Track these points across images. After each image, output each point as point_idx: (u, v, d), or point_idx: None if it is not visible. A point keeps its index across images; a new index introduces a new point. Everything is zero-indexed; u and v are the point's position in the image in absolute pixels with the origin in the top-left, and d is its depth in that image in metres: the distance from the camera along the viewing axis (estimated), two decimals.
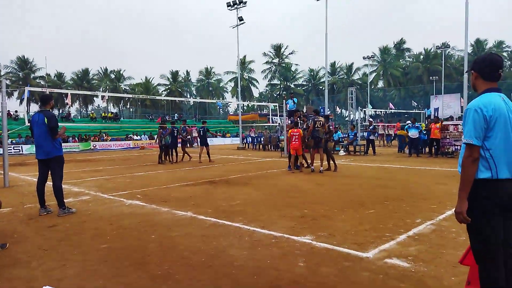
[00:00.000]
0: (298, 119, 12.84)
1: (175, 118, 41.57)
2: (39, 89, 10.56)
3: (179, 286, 3.13)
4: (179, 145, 15.96)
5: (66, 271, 3.48)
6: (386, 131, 28.14)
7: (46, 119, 5.74)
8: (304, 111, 24.49)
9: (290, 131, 11.53)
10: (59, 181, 5.85)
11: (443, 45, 46.82)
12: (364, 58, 51.57)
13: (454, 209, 2.29)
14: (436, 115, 25.48)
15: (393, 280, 3.13)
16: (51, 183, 5.87)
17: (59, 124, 5.97)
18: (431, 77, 50.99)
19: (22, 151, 25.04)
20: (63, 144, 27.32)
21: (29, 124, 6.43)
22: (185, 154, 15.89)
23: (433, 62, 58.00)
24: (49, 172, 5.91)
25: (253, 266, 3.52)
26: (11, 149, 24.18)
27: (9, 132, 12.99)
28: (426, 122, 16.69)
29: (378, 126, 30.78)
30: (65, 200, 6.71)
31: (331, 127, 11.72)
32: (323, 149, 11.09)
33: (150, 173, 11.44)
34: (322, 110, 25.10)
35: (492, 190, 2.20)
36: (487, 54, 2.43)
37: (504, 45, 57.98)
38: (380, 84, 66.19)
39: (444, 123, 16.28)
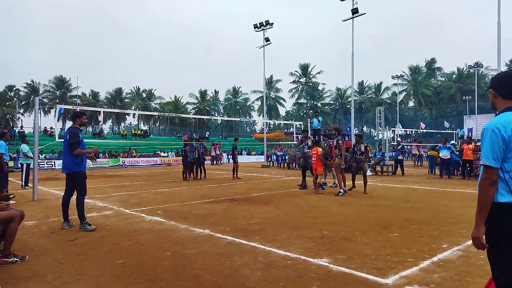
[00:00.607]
0: (305, 138, 12.15)
1: (202, 135, 42.19)
2: (71, 107, 11.09)
3: None
4: (207, 161, 16.09)
5: (79, 285, 3.50)
6: (418, 151, 27.40)
7: (68, 136, 5.89)
8: (330, 130, 24.23)
9: (310, 150, 11.38)
10: (80, 196, 5.92)
11: (476, 65, 45.37)
12: (393, 77, 50.76)
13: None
14: (469, 135, 24.46)
15: None
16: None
17: (93, 141, 6.22)
18: (464, 97, 49.40)
19: (55, 166, 26.07)
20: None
21: (61, 140, 6.72)
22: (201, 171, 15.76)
23: (466, 81, 56.34)
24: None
25: None
26: (44, 164, 25.26)
27: (41, 147, 13.54)
28: (459, 143, 16.09)
29: (412, 145, 29.96)
30: (88, 215, 6.89)
31: (368, 147, 11.42)
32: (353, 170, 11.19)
33: (173, 190, 11.56)
34: (348, 129, 24.77)
35: None
36: (505, 71, 2.31)
37: None
38: (411, 103, 64.77)
39: (477, 144, 15.60)
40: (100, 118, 22.16)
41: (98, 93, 63.76)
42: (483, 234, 2.07)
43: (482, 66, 47.96)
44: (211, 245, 4.87)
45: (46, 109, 52.90)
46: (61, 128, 29.58)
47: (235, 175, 15.25)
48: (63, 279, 3.65)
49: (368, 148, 10.20)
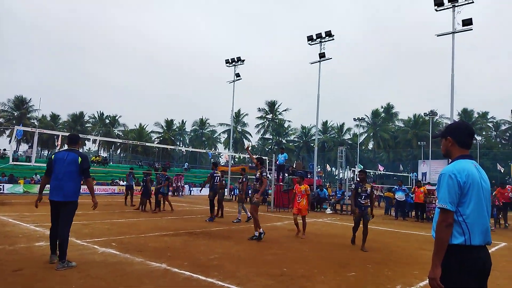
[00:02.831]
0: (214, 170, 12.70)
1: (165, 166, 41.34)
2: (29, 129, 10.56)
3: None
4: (170, 194, 15.62)
5: None
6: (376, 192, 28.37)
7: (80, 159, 5.32)
8: (294, 166, 24.65)
9: (295, 186, 9.41)
10: (68, 228, 5.24)
11: (431, 112, 48.58)
12: (354, 119, 53.06)
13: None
14: (419, 179, 25.43)
15: None
16: (55, 230, 5.24)
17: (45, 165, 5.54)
18: (419, 142, 52.30)
19: (3, 190, 24.35)
20: (48, 185, 26.81)
21: (15, 163, 6.17)
22: (167, 204, 15.08)
23: (421, 127, 59.84)
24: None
25: None
26: None
27: None
28: (415, 186, 16.85)
29: (374, 187, 30.95)
30: (37, 244, 6.47)
31: (373, 188, 8.87)
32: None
33: (131, 220, 11.11)
34: (311, 166, 25.30)
35: (466, 256, 2.18)
36: (461, 122, 2.52)
37: (489, 116, 60.49)
38: (370, 145, 67.54)
39: (429, 187, 16.43)
40: (58, 142, 21.21)
41: (58, 115, 61.50)
42: (439, 274, 2.16)
43: (437, 114, 51.40)
44: (167, 280, 4.70)
45: (1, 129, 50.06)
46: (14, 151, 27.91)
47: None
48: None
49: (373, 190, 7.92)
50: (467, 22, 17.31)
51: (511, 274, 6.07)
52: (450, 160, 2.45)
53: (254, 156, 9.47)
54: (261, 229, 8.19)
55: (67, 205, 5.23)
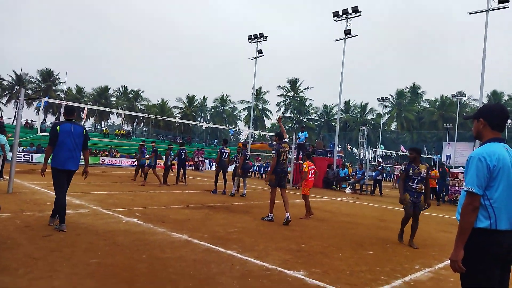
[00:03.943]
0: (240, 149, 12.76)
1: (183, 141, 41.95)
2: (56, 101, 10.84)
3: None
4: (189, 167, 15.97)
5: (52, 282, 3.44)
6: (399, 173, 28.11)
7: (84, 132, 5.79)
8: (314, 145, 24.53)
9: (306, 164, 8.75)
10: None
11: (459, 94, 46.91)
12: (378, 99, 51.87)
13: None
14: (447, 161, 24.42)
15: None
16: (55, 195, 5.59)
17: None
18: (445, 124, 50.87)
19: (32, 160, 25.39)
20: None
21: (42, 134, 6.43)
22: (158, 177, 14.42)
23: (448, 109, 58.04)
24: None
25: None
26: (21, 157, 24.51)
27: (21, 139, 13.24)
28: (441, 169, 16.41)
29: (395, 167, 30.61)
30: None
31: (429, 169, 7.28)
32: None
33: (153, 192, 11.44)
34: (331, 145, 25.10)
35: (490, 241, 2.15)
36: (496, 104, 2.42)
37: None
38: (394, 126, 66.16)
39: (453, 170, 16.08)
40: (84, 115, 21.82)
41: (83, 88, 62.77)
42: (462, 257, 2.15)
43: (465, 96, 49.60)
44: (188, 250, 4.86)
45: (29, 101, 51.70)
46: (42, 122, 28.89)
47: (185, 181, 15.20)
48: (35, 274, 3.58)
49: (429, 172, 6.54)
50: (503, 0, 16.35)
51: None
52: (480, 143, 2.38)
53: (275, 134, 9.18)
54: (270, 214, 7.64)
55: (73, 173, 5.77)
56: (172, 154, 15.61)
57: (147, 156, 14.78)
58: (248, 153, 12.52)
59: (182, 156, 15.24)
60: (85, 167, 5.88)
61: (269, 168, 8.57)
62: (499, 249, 2.14)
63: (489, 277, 2.13)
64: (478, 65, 17.35)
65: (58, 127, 5.62)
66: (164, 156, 15.79)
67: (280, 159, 7.67)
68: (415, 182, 6.31)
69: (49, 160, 5.65)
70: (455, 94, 47.43)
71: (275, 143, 8.10)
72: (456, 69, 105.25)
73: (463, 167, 20.12)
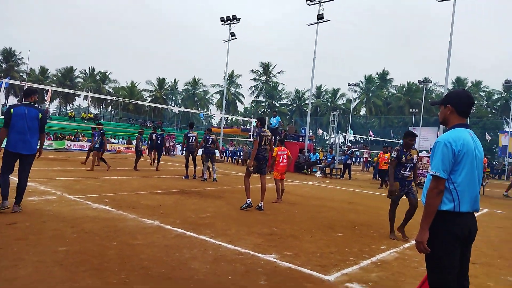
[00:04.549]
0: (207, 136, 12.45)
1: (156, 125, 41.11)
2: (18, 82, 10.25)
3: None
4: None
5: (18, 271, 3.32)
6: (368, 157, 29.22)
7: (40, 115, 5.65)
8: (286, 130, 24.74)
9: (276, 149, 8.90)
10: (27, 176, 5.74)
11: (425, 80, 48.42)
12: (349, 84, 52.69)
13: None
14: (386, 145, 23.37)
15: None
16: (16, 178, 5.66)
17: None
18: (411, 109, 52.54)
19: None
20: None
21: (2, 117, 6.16)
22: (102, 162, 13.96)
23: (414, 95, 59.86)
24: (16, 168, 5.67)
25: (213, 281, 3.46)
26: None
27: None
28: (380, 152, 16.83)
29: (364, 151, 31.54)
30: (29, 198, 6.57)
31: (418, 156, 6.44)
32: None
33: (122, 178, 11.20)
34: (303, 130, 25.41)
35: (453, 222, 2.25)
36: (462, 90, 2.47)
37: (482, 85, 60.56)
38: (363, 111, 67.67)
39: (419, 155, 16.71)
40: (48, 97, 20.85)
41: (47, 69, 59.84)
42: (427, 239, 2.25)
43: (431, 82, 51.26)
44: (160, 236, 4.82)
45: None
46: (3, 104, 27.39)
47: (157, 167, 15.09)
48: (0, 264, 3.44)
49: (416, 157, 6.02)
50: None
51: (489, 239, 6.35)
52: (445, 128, 2.46)
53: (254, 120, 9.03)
54: (248, 199, 7.40)
55: (29, 157, 5.67)
56: (142, 138, 15.26)
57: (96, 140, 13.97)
58: (210, 137, 12.30)
59: (159, 141, 15.02)
60: (39, 147, 5.88)
61: (245, 154, 8.42)
62: (461, 230, 2.26)
63: (451, 257, 2.25)
64: (443, 53, 17.93)
65: (12, 110, 5.58)
66: (135, 141, 15.42)
67: (262, 144, 7.44)
68: (407, 169, 5.85)
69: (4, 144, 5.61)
70: (422, 80, 48.92)
71: (256, 127, 7.97)
72: (424, 58, 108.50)
73: (427, 151, 20.96)
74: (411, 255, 4.78)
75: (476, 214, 2.39)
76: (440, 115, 2.51)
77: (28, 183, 5.88)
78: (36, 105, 5.84)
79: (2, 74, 49.30)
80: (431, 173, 2.28)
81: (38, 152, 5.80)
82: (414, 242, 2.36)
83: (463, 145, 2.26)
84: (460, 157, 2.25)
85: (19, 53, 54.08)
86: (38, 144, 5.85)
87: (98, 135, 13.55)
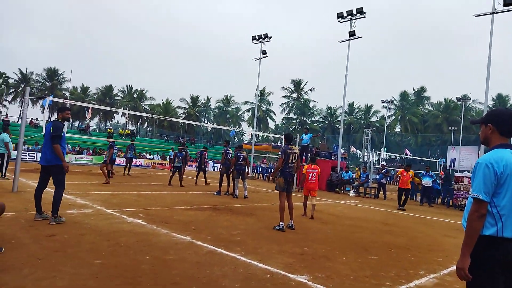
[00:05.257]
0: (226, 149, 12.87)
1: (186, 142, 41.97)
2: (60, 100, 10.85)
3: None
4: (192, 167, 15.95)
5: (55, 282, 3.44)
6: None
7: (52, 128, 5.95)
8: (318, 147, 24.47)
9: (306, 167, 9.22)
10: (60, 190, 5.94)
11: (463, 97, 46.67)
12: (382, 101, 51.71)
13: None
14: (451, 165, 23.76)
15: None
16: (53, 190, 5.96)
17: (79, 136, 6.18)
18: (450, 127, 50.61)
19: (36, 158, 25.49)
20: (78, 155, 27.52)
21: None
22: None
23: (453, 112, 57.73)
24: (50, 180, 6.07)
25: None
26: (26, 155, 24.65)
27: (26, 138, 13.26)
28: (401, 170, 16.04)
29: (399, 170, 30.55)
30: (68, 211, 6.83)
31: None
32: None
33: (157, 193, 11.45)
34: (335, 148, 25.03)
35: (496, 248, 2.12)
36: (505, 109, 2.35)
37: None
38: (398, 129, 65.90)
39: (458, 174, 15.99)
40: (88, 114, 21.82)
41: (88, 88, 63.06)
42: (468, 265, 2.12)
43: (470, 99, 49.33)
44: (191, 252, 4.85)
45: (35, 99, 51.93)
46: (47, 120, 29.06)
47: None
48: (39, 274, 3.58)
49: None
50: (509, 2, 16.20)
51: None
52: (487, 148, 2.35)
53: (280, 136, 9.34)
54: (281, 223, 7.03)
55: (50, 169, 5.96)
56: (179, 155, 15.40)
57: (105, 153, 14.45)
58: (242, 154, 12.28)
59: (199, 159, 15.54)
60: (62, 160, 5.97)
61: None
62: (505, 257, 2.12)
63: (495, 285, 2.11)
64: (483, 68, 17.26)
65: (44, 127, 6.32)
66: (171, 157, 15.81)
67: (288, 161, 7.14)
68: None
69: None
70: (460, 97, 47.17)
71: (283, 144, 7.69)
72: (461, 72, 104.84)
73: (468, 171, 20.00)
74: (451, 282, 4.50)
75: None
76: (481, 135, 2.40)
77: (67, 196, 6.17)
78: (58, 121, 6.13)
79: (47, 92, 52.47)
80: (472, 195, 2.17)
81: (65, 168, 5.90)
82: (454, 268, 2.23)
83: (506, 166, 2.14)
84: (503, 179, 2.13)
85: (63, 72, 57.44)
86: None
87: (107, 148, 14.12)
